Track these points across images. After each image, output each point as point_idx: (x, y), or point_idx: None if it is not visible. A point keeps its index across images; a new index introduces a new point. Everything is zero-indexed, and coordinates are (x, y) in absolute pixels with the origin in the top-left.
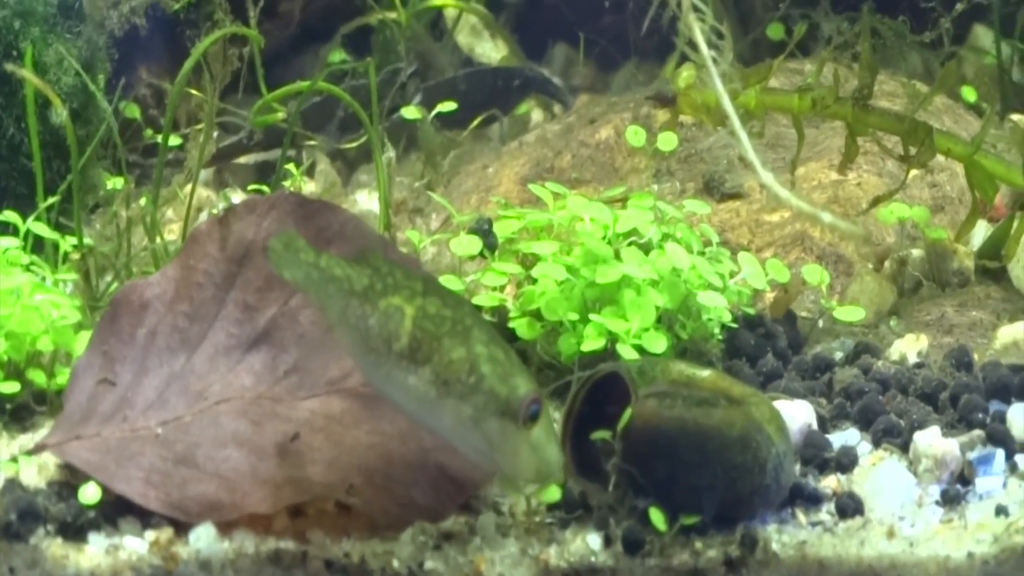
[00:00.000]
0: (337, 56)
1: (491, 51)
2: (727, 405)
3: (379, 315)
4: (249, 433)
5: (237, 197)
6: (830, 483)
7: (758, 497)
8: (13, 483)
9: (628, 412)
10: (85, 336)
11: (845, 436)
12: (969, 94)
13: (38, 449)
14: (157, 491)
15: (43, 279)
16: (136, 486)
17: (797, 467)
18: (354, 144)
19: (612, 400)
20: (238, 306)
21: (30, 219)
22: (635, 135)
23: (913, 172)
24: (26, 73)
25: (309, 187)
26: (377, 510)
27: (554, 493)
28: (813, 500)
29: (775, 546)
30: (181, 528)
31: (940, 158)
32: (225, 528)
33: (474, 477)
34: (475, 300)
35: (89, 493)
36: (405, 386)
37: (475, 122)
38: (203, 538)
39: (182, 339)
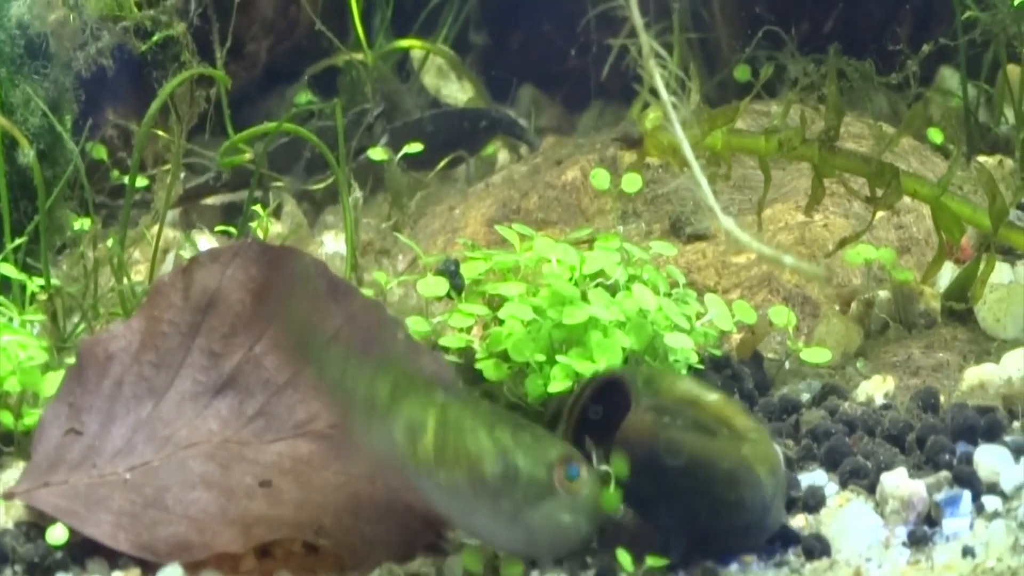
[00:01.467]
0: (303, 97)
1: (457, 92)
2: (726, 435)
3: (402, 425)
4: (217, 476)
5: (204, 238)
6: (797, 524)
7: (737, 537)
8: None
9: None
10: (52, 377)
11: (812, 477)
12: (935, 136)
13: (7, 497)
14: (127, 533)
15: (10, 320)
16: (106, 529)
17: None
18: (321, 185)
19: (620, 409)
20: (203, 353)
21: None
22: (598, 178)
23: (880, 214)
24: None
25: (276, 228)
26: (346, 550)
27: (516, 568)
28: (781, 538)
29: None
30: (148, 569)
31: (907, 200)
32: (193, 569)
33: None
34: (442, 341)
35: (56, 534)
36: (438, 486)
37: (442, 163)
38: None
39: (148, 387)
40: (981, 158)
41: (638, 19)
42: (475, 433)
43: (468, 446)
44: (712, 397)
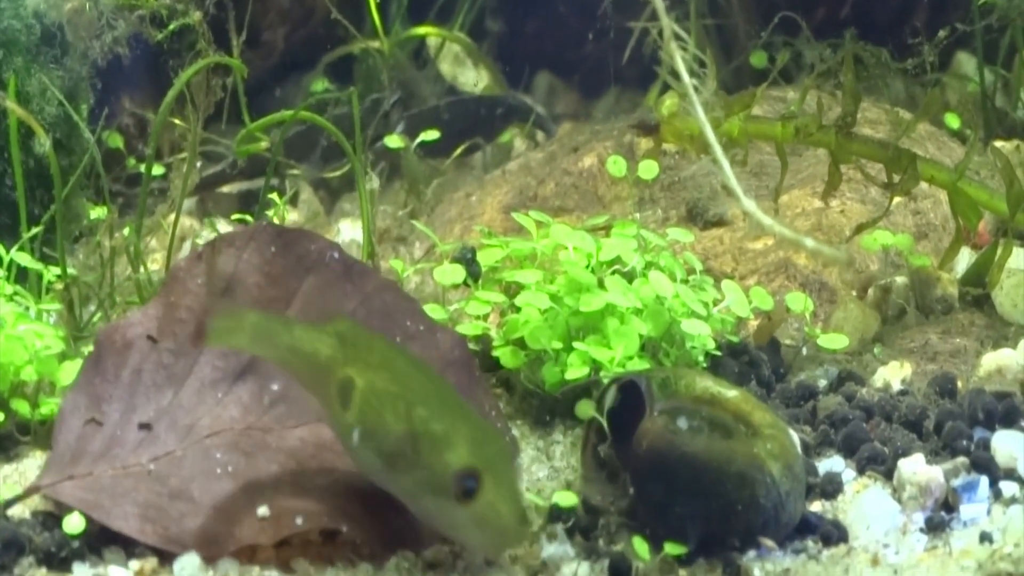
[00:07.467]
0: (320, 85)
1: (474, 79)
2: (743, 432)
3: (337, 384)
4: (242, 465)
5: (221, 226)
6: (814, 510)
7: (753, 535)
8: None
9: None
10: (69, 366)
11: (829, 463)
12: (952, 121)
13: (31, 491)
14: (154, 526)
15: (26, 309)
16: (132, 522)
17: None
18: (337, 173)
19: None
20: None
21: (13, 249)
22: (615, 165)
23: (896, 199)
24: (9, 103)
25: (292, 216)
26: (374, 537)
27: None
28: (798, 528)
29: (758, 574)
30: (165, 558)
31: (923, 185)
32: (210, 558)
33: None
34: (459, 328)
35: (73, 523)
36: (361, 454)
37: (458, 150)
38: (187, 568)
39: (168, 375)
40: (998, 143)
41: (659, 1)
42: (395, 404)
43: (385, 416)
44: (731, 394)
